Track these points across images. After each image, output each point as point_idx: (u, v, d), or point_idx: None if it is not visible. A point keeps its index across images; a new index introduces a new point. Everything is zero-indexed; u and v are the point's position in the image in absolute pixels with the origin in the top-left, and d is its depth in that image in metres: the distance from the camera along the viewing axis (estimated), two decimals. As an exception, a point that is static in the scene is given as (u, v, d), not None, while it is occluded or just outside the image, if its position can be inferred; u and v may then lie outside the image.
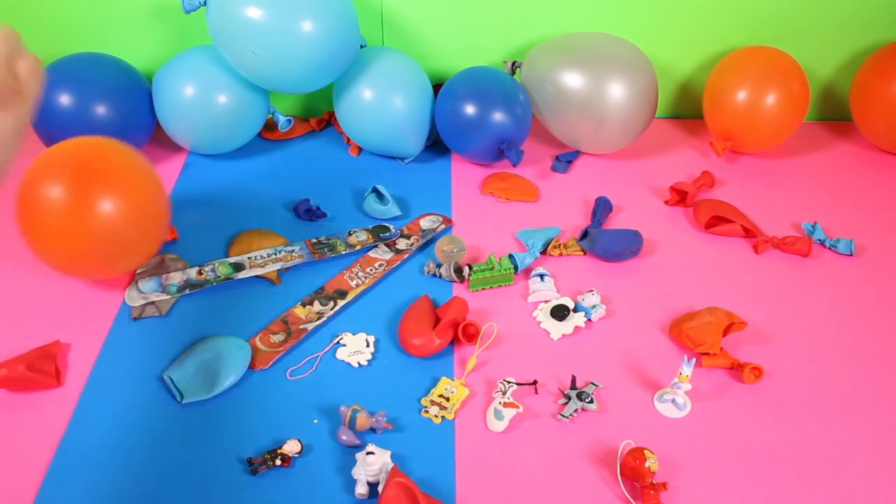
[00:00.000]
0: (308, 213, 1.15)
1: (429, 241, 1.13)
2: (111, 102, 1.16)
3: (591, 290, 1.02)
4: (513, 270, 1.04)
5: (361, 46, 1.25)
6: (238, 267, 1.05)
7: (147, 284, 1.01)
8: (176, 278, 1.03)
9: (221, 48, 1.13)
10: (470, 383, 0.91)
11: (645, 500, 0.78)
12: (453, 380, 0.91)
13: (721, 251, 1.13)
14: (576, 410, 0.88)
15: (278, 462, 0.81)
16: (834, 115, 1.43)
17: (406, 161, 1.29)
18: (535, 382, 0.91)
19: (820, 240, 1.13)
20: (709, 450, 0.85)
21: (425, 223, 1.15)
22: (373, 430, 0.85)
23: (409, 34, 1.32)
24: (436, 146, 1.32)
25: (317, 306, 1.00)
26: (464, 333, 0.95)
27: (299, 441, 0.82)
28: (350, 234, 1.11)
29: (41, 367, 0.89)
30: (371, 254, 1.09)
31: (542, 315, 1.00)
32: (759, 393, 0.92)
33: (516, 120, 1.20)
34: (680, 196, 1.20)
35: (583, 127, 1.24)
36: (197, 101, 1.18)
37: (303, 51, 1.11)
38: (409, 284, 1.05)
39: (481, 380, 0.92)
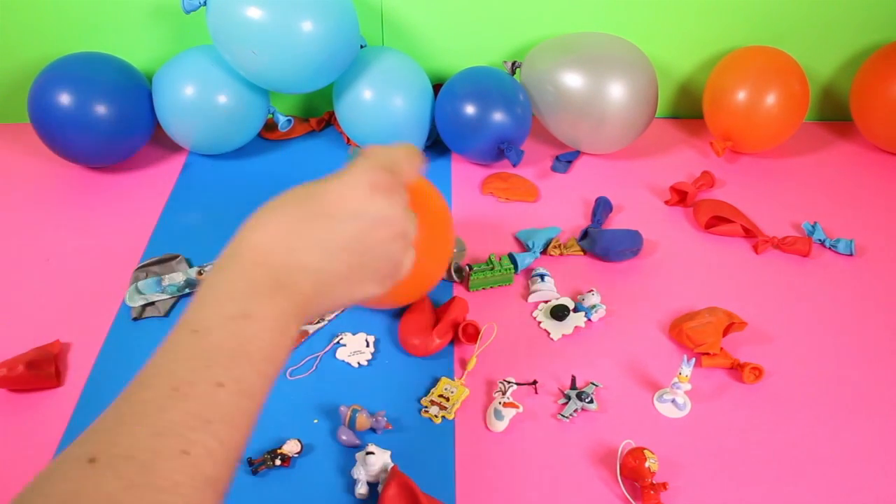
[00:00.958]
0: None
1: (429, 241, 1.13)
2: (111, 102, 1.16)
3: (591, 290, 1.02)
4: (513, 270, 1.04)
5: (361, 46, 1.25)
6: (238, 267, 1.05)
7: (147, 285, 1.01)
8: (176, 278, 1.03)
9: (221, 48, 1.13)
10: (470, 383, 0.91)
11: (645, 500, 0.78)
12: (453, 380, 0.91)
13: (721, 251, 1.13)
14: (576, 410, 0.88)
15: (278, 462, 0.81)
16: (834, 115, 1.43)
17: (406, 161, 1.28)
18: (534, 382, 0.91)
19: (820, 240, 1.13)
20: (709, 450, 0.85)
21: (425, 223, 1.15)
22: (373, 430, 0.85)
23: (409, 34, 1.32)
24: (436, 146, 1.32)
25: (317, 306, 1.00)
26: (464, 333, 0.95)
27: (299, 441, 0.82)
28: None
29: (41, 367, 0.89)
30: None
31: (542, 315, 1.00)
32: (759, 393, 0.92)
33: (516, 120, 1.20)
34: (680, 196, 1.20)
35: (583, 127, 1.24)
36: (197, 101, 1.18)
37: (303, 51, 1.11)
38: (409, 284, 1.06)
39: (481, 380, 0.92)
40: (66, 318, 0.99)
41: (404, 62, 1.24)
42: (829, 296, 1.05)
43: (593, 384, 0.91)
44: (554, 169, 1.28)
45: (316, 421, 0.87)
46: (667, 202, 1.21)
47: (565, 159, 1.30)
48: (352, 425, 0.84)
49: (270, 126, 1.35)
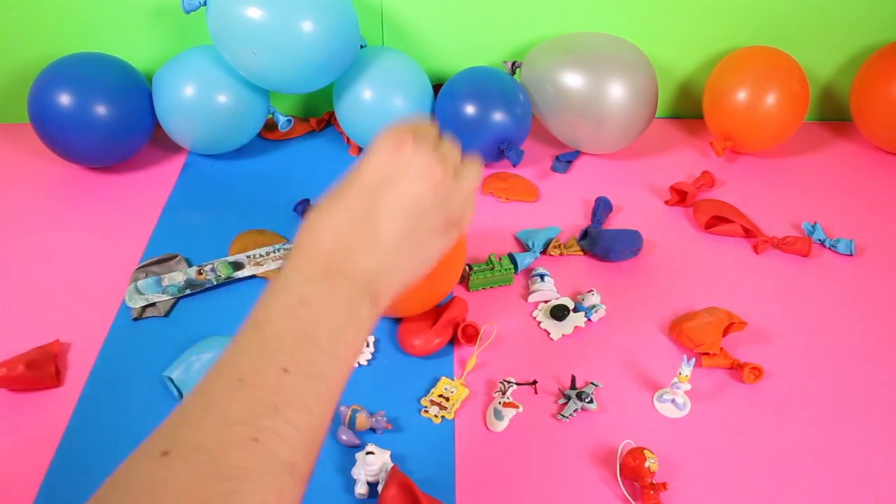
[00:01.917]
0: (308, 213, 1.15)
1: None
2: (111, 102, 1.16)
3: (591, 290, 1.02)
4: (513, 270, 1.04)
5: (361, 46, 1.25)
6: (237, 266, 1.05)
7: (147, 285, 1.01)
8: (176, 278, 1.03)
9: (221, 48, 1.13)
10: (469, 383, 0.91)
11: (645, 500, 0.78)
12: (453, 380, 0.91)
13: (721, 251, 1.13)
14: (575, 410, 0.88)
15: (278, 462, 0.81)
16: (834, 115, 1.43)
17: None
18: (534, 382, 0.91)
19: (820, 240, 1.13)
20: (709, 450, 0.85)
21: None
22: (373, 429, 0.85)
23: (409, 34, 1.32)
24: (436, 146, 1.31)
25: (317, 306, 1.00)
26: (463, 334, 0.95)
27: (299, 441, 0.82)
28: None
29: (41, 367, 0.89)
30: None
31: (542, 315, 1.00)
32: (759, 393, 0.92)
33: (516, 120, 1.20)
34: (680, 196, 1.20)
35: (583, 127, 1.24)
36: (197, 101, 1.18)
37: (303, 51, 1.11)
38: (409, 284, 1.05)
39: (481, 380, 0.92)
40: (66, 318, 0.99)
41: (404, 62, 1.24)
42: (829, 296, 1.05)
43: (593, 384, 0.91)
44: (554, 169, 1.28)
45: (316, 421, 0.87)
46: (667, 202, 1.21)
47: (565, 159, 1.30)
48: (352, 425, 0.84)
49: (270, 126, 1.35)
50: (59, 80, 1.14)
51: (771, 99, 1.24)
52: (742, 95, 1.24)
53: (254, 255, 1.06)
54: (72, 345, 0.95)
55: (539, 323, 1.00)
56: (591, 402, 0.88)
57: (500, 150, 1.21)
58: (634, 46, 1.25)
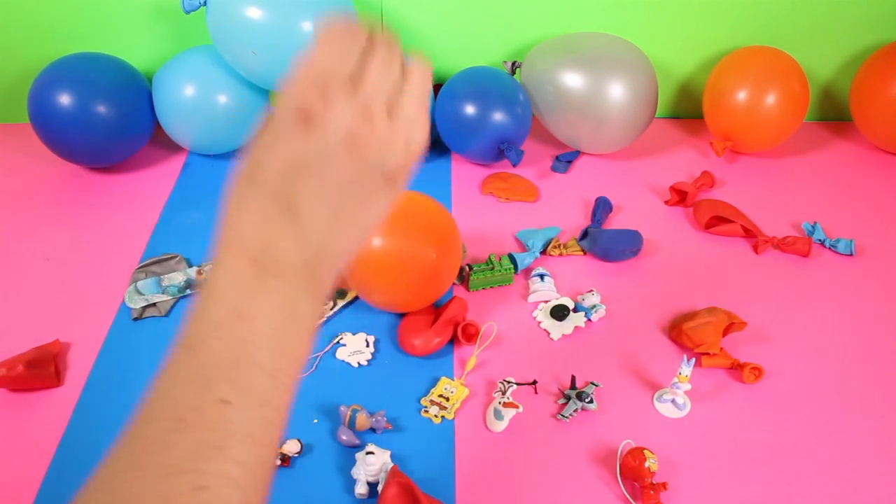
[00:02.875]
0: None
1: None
2: (111, 102, 1.16)
3: (591, 290, 1.02)
4: (512, 270, 1.04)
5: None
6: (238, 267, 1.05)
7: (147, 285, 1.01)
8: (176, 279, 1.03)
9: (221, 48, 1.13)
10: (469, 383, 0.91)
11: (645, 500, 0.78)
12: (453, 380, 0.91)
13: (721, 251, 1.13)
14: (575, 410, 0.88)
15: (278, 462, 0.81)
16: (834, 115, 1.43)
17: (406, 161, 1.28)
18: (534, 382, 0.91)
19: (820, 240, 1.13)
20: (709, 450, 0.85)
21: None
22: (373, 429, 0.85)
23: (409, 34, 1.32)
24: (436, 146, 1.31)
25: (317, 306, 1.00)
26: (463, 334, 0.95)
27: (299, 441, 0.82)
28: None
29: (41, 367, 0.89)
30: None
31: (542, 315, 1.00)
32: (759, 393, 0.92)
33: (516, 120, 1.20)
34: (680, 196, 1.20)
35: (583, 127, 1.24)
36: (197, 101, 1.18)
37: (303, 51, 1.10)
38: (409, 284, 1.06)
39: (481, 380, 0.92)
40: (66, 318, 0.99)
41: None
42: (829, 296, 1.05)
43: (593, 384, 0.91)
44: (554, 169, 1.28)
45: (316, 421, 0.87)
46: (667, 202, 1.21)
47: (565, 159, 1.30)
48: (352, 425, 0.84)
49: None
50: (59, 80, 1.14)
51: (771, 99, 1.24)
52: (742, 95, 1.24)
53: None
54: (72, 345, 0.95)
55: (539, 323, 1.00)
56: (591, 402, 0.88)
57: (500, 150, 1.21)
58: (634, 46, 1.25)
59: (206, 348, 0.40)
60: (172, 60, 1.21)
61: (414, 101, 0.45)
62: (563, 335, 0.98)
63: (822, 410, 0.90)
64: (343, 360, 0.94)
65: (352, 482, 0.80)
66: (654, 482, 0.79)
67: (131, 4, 1.26)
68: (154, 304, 1.00)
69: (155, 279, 1.02)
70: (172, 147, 1.30)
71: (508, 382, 0.90)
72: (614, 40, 1.26)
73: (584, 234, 1.10)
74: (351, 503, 0.79)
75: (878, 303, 1.04)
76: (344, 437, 0.83)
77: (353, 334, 0.97)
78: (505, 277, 1.04)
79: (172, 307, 1.00)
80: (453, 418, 0.87)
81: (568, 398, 0.89)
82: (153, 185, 1.23)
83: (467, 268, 1.04)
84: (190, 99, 1.18)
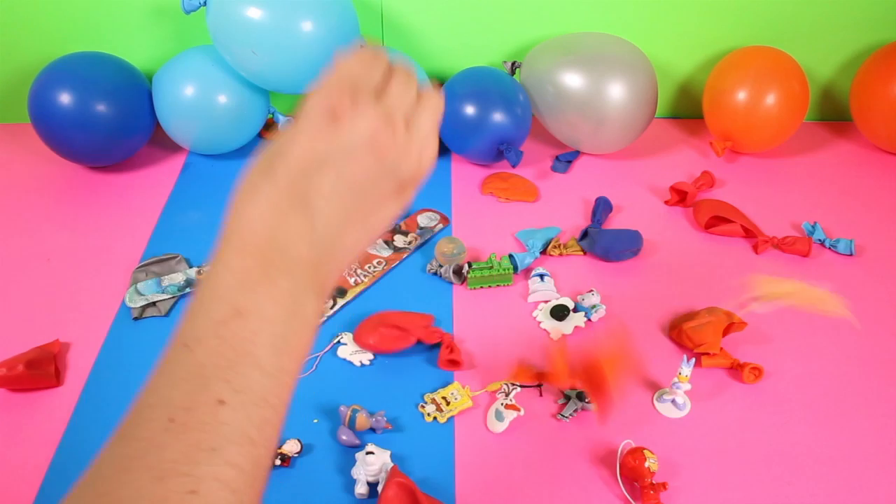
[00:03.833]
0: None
1: (427, 240, 1.13)
2: (111, 102, 1.16)
3: (591, 290, 1.02)
4: (512, 270, 1.04)
5: (361, 46, 1.25)
6: (238, 267, 1.05)
7: (147, 286, 1.01)
8: (176, 278, 1.03)
9: (221, 48, 1.13)
10: (469, 383, 0.91)
11: (645, 500, 0.78)
12: (464, 388, 0.90)
13: (721, 251, 1.13)
14: (575, 410, 0.88)
15: (278, 462, 0.81)
16: (834, 115, 1.43)
17: (406, 161, 1.28)
18: (539, 385, 0.91)
19: (820, 240, 1.13)
20: (709, 450, 0.85)
21: (422, 220, 1.15)
22: (373, 429, 0.85)
23: (409, 34, 1.32)
24: (436, 146, 1.31)
25: (317, 306, 1.00)
26: (450, 364, 0.93)
27: (299, 441, 0.82)
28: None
29: (41, 367, 0.89)
30: (369, 251, 1.09)
31: (542, 315, 1.00)
32: (759, 393, 0.92)
33: (516, 120, 1.20)
34: (680, 196, 1.20)
35: (583, 127, 1.24)
36: (197, 101, 1.18)
37: (303, 51, 1.11)
38: (409, 283, 1.05)
39: (481, 379, 0.92)
40: (66, 318, 0.99)
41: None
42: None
43: (593, 384, 0.91)
44: (554, 169, 1.28)
45: (316, 421, 0.87)
46: (667, 202, 1.21)
47: (565, 159, 1.30)
48: (352, 425, 0.84)
49: (270, 126, 1.35)
50: (59, 80, 1.14)
51: (771, 99, 1.24)
52: (742, 95, 1.24)
53: (254, 255, 1.06)
54: (72, 345, 0.95)
55: (539, 323, 1.00)
56: (591, 402, 0.88)
57: (500, 150, 1.21)
58: (634, 46, 1.25)
59: (204, 347, 0.39)
60: (172, 60, 1.21)
61: (428, 119, 0.46)
62: (564, 335, 0.98)
63: (821, 410, 0.90)
64: (345, 360, 0.94)
65: (352, 482, 0.80)
66: (654, 482, 0.79)
67: (131, 4, 1.26)
68: (154, 304, 1.00)
69: (155, 279, 1.02)
70: (172, 147, 1.30)
71: (512, 384, 0.90)
72: (614, 40, 1.26)
73: (584, 234, 1.10)
74: (351, 503, 0.79)
75: (878, 303, 1.04)
76: (344, 437, 0.83)
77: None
78: (504, 277, 1.04)
79: (172, 307, 1.00)
80: (444, 422, 0.87)
81: (568, 398, 0.89)
82: (153, 185, 1.23)
83: (467, 266, 1.04)
84: (190, 99, 1.18)
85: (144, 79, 1.23)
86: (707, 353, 0.93)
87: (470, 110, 1.19)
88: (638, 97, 1.22)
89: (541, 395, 0.90)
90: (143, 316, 0.99)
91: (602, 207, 1.17)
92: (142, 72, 1.25)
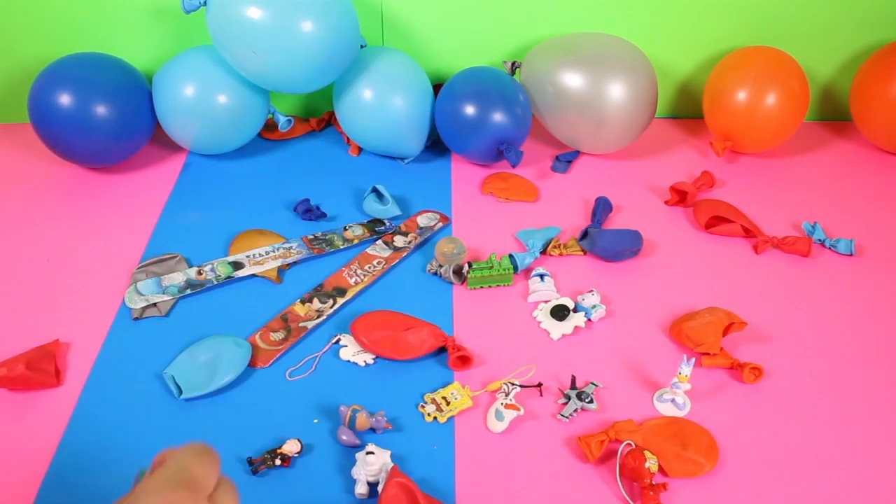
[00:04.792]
0: (308, 212, 1.15)
1: (427, 240, 1.13)
2: (111, 102, 1.16)
3: (591, 290, 1.02)
4: (512, 270, 1.04)
5: (361, 46, 1.25)
6: (237, 265, 1.05)
7: (147, 286, 1.01)
8: (176, 279, 1.03)
9: (221, 48, 1.13)
10: (469, 382, 0.91)
11: (644, 501, 0.78)
12: (464, 388, 0.90)
13: (721, 251, 1.13)
14: (576, 410, 0.88)
15: (278, 462, 0.81)
16: (834, 115, 1.43)
17: (406, 161, 1.29)
18: (540, 385, 0.91)
19: (820, 240, 1.13)
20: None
21: (422, 220, 1.15)
22: (373, 430, 0.85)
23: (409, 34, 1.32)
24: (436, 146, 1.32)
25: (316, 304, 1.00)
26: (461, 363, 0.93)
27: (299, 441, 0.82)
28: (346, 230, 1.12)
29: (41, 367, 0.89)
30: (369, 251, 1.09)
31: (542, 315, 1.00)
32: (759, 393, 0.92)
33: (516, 120, 1.20)
34: (680, 196, 1.20)
35: (583, 127, 1.24)
36: (197, 101, 1.18)
37: (303, 51, 1.11)
38: (408, 283, 1.06)
39: (481, 379, 0.92)
40: (66, 318, 0.99)
41: (404, 62, 1.24)
42: (829, 296, 1.05)
43: (593, 384, 0.91)
44: (554, 169, 1.28)
45: (316, 421, 0.87)
46: (667, 202, 1.21)
47: (565, 159, 1.30)
48: (352, 425, 0.84)
49: (270, 126, 1.35)
50: (59, 80, 1.14)
51: (771, 99, 1.24)
52: (742, 95, 1.24)
53: (253, 255, 1.06)
54: (72, 345, 0.95)
55: (539, 323, 1.00)
56: (591, 402, 0.88)
57: (500, 150, 1.21)
58: (634, 46, 1.26)
59: None
60: (172, 60, 1.21)
61: None
62: (564, 335, 0.98)
63: (822, 410, 0.90)
64: (346, 361, 0.94)
65: (352, 482, 0.80)
66: (653, 483, 0.79)
67: (131, 4, 1.26)
68: (154, 304, 1.00)
69: (155, 279, 1.02)
70: (172, 147, 1.30)
71: (512, 384, 0.90)
72: (614, 40, 1.26)
73: (584, 234, 1.10)
74: (351, 503, 0.79)
75: (878, 303, 1.04)
76: (344, 437, 0.83)
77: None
78: (504, 277, 1.04)
79: (172, 307, 1.00)
80: (444, 422, 0.87)
81: (568, 398, 0.89)
82: (153, 185, 1.23)
83: (467, 266, 1.04)
84: (190, 99, 1.18)
85: (144, 79, 1.23)
86: (707, 353, 0.93)
87: (470, 110, 1.19)
88: (638, 97, 1.22)
89: (541, 395, 0.90)
90: (143, 316, 0.99)
91: (602, 207, 1.17)
92: (142, 72, 1.25)
